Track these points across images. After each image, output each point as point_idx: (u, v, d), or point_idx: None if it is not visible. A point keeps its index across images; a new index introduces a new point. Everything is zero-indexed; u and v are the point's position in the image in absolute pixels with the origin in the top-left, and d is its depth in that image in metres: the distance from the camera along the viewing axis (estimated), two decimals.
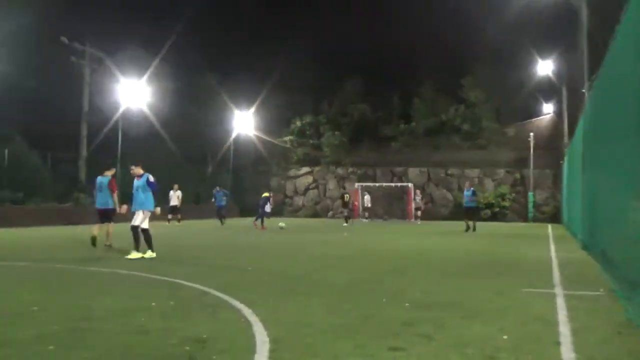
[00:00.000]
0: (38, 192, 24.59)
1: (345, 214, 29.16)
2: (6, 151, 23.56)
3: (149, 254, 10.76)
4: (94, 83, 28.56)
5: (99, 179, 13.11)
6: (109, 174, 13.13)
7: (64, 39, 26.15)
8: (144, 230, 10.92)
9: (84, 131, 28.02)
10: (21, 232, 18.80)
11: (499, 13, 34.71)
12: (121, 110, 29.31)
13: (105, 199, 12.94)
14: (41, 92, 29.35)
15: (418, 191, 33.00)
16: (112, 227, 13.04)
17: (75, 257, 10.89)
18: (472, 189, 21.70)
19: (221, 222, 25.84)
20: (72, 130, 28.35)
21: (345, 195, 29.94)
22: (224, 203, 27.16)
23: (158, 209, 11.38)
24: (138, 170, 11.11)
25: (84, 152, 27.82)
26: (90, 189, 19.68)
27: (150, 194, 10.96)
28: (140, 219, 10.92)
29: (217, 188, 27.93)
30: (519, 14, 28.38)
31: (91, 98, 28.49)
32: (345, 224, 27.59)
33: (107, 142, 29.35)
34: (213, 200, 27.63)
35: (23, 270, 9.03)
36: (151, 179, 11.00)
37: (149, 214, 11.04)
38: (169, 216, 25.01)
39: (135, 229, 10.91)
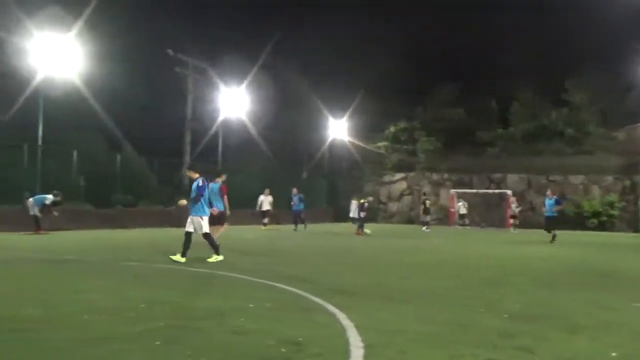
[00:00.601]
0: (146, 196, 26.09)
1: (427, 219, 28.90)
2: (118, 157, 25.20)
3: (178, 257, 10.63)
4: (197, 92, 29.89)
5: (211, 184, 13.91)
6: (219, 180, 13.92)
7: (169, 51, 27.57)
8: (187, 234, 10.83)
9: (187, 138, 29.38)
10: (131, 233, 20.02)
11: (606, 9, 32.80)
12: (221, 117, 30.51)
13: (215, 203, 13.69)
14: (148, 102, 31.18)
15: (514, 198, 31.70)
16: (223, 229, 13.82)
17: None
18: (554, 197, 20.27)
19: (295, 227, 24.69)
20: (177, 138, 29.84)
21: (427, 202, 29.81)
22: (301, 207, 25.36)
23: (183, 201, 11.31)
24: (192, 175, 11.11)
25: (187, 159, 29.16)
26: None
27: (200, 199, 10.81)
28: (203, 225, 10.85)
29: (294, 191, 25.89)
30: (627, 10, 26.69)
31: (194, 106, 29.84)
32: (424, 229, 27.33)
33: (208, 148, 30.69)
34: (292, 203, 25.70)
35: (133, 269, 9.62)
36: (200, 182, 10.89)
37: (204, 218, 10.88)
38: (264, 221, 25.47)
39: (205, 236, 10.89)
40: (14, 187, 20.64)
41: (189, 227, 10.87)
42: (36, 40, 20.48)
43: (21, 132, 22.50)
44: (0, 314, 5.55)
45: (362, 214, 23.12)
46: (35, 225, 18.01)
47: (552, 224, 20.06)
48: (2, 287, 7.23)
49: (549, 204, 20.09)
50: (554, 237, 19.30)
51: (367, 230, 22.54)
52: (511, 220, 30.15)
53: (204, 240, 11.00)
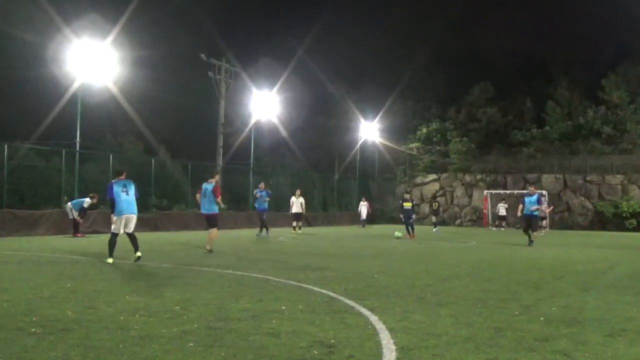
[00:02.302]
0: (180, 199, 26.46)
1: (434, 220, 29.30)
2: (153, 161, 25.62)
3: (107, 259, 10.73)
4: (229, 96, 30.18)
5: (204, 185, 13.63)
6: (212, 180, 13.70)
7: (202, 56, 27.91)
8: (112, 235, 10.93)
9: (220, 142, 29.68)
10: (166, 236, 20.30)
11: None
12: (254, 120, 30.76)
13: (209, 205, 13.48)
14: (182, 106, 31.61)
15: (543, 198, 30.80)
16: (215, 232, 13.61)
17: (212, 260, 11.57)
18: (537, 194, 17.90)
19: (261, 229, 21.43)
20: (210, 141, 30.20)
21: (434, 203, 30.77)
22: (265, 206, 21.85)
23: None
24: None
25: (219, 162, 29.46)
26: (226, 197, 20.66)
27: (113, 200, 10.81)
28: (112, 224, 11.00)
29: (261, 186, 22.31)
30: None
31: (227, 110, 30.14)
32: (433, 230, 27.35)
33: (241, 151, 31.00)
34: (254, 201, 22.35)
35: (168, 271, 9.76)
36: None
37: (113, 218, 10.88)
38: (294, 223, 25.14)
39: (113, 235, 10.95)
40: (54, 191, 21.19)
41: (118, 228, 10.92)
42: (74, 47, 20.97)
43: (60, 137, 23.12)
44: (48, 315, 5.71)
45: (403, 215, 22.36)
46: (74, 228, 18.47)
47: (534, 224, 17.94)
48: (48, 288, 7.42)
49: (529, 202, 17.50)
50: (530, 239, 17.35)
51: (397, 233, 21.45)
52: (540, 221, 29.21)
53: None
